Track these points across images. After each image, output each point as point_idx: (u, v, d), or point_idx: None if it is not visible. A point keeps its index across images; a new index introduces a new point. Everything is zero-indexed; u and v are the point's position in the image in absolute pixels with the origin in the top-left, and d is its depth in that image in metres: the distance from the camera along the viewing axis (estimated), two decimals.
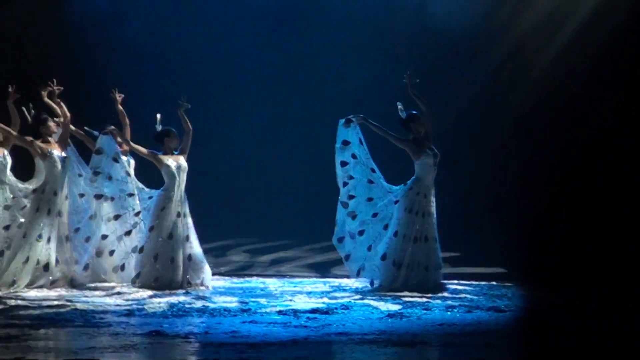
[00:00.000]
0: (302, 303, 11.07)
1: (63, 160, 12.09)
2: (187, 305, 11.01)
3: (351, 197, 12.19)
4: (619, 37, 14.58)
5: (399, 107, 12.08)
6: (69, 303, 11.21)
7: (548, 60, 15.28)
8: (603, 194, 14.09)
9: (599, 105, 14.46)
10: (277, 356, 7.67)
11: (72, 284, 12.13)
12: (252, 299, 11.39)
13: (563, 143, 14.63)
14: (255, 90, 16.75)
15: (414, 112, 12.01)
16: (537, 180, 14.77)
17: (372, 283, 12.08)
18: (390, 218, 12.08)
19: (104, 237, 12.53)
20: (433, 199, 11.95)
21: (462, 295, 11.81)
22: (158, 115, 12.48)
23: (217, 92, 16.57)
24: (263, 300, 11.27)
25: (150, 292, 11.97)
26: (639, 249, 13.34)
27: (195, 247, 12.23)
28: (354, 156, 12.22)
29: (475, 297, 11.69)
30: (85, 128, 12.75)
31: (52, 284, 11.92)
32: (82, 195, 12.58)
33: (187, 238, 12.15)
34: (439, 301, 11.22)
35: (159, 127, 12.40)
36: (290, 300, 11.36)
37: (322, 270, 14.66)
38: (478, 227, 14.86)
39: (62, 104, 12.11)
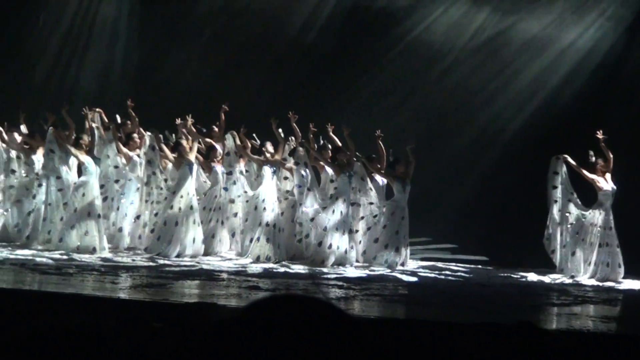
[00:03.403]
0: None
1: None
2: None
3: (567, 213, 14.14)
4: None
5: (591, 153, 14.02)
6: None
7: None
8: None
9: None
10: None
11: None
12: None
13: None
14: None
15: (594, 159, 14.06)
16: None
17: (572, 277, 13.96)
18: (580, 227, 14.05)
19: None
20: (611, 218, 13.95)
21: None
22: None
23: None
24: None
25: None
26: None
27: None
28: (561, 182, 14.19)
29: None
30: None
31: None
32: None
33: None
34: None
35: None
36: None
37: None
38: None
39: None
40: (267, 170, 14.18)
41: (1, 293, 9.17)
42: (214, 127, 14.86)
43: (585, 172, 13.97)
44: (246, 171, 14.57)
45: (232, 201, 14.36)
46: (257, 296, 9.63)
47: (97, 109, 14.92)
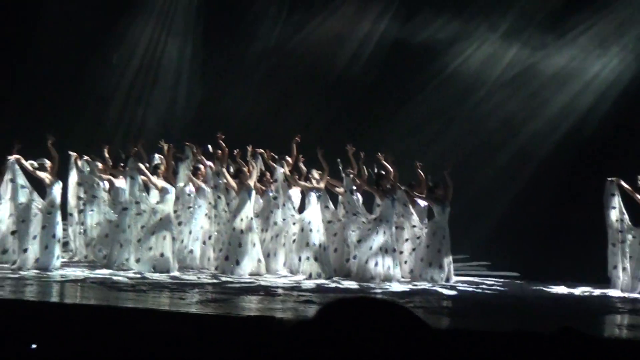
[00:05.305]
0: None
1: None
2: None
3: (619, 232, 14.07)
4: None
5: (639, 177, 13.86)
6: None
7: None
8: None
9: None
10: None
11: None
12: None
13: None
14: None
15: None
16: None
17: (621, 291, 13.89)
18: (629, 246, 13.95)
19: None
20: None
21: None
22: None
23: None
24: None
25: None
26: None
27: None
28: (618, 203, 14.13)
29: None
30: None
31: None
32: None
33: None
34: None
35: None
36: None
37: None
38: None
39: None
40: (312, 196, 14.51)
41: (86, 308, 9.51)
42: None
43: (637, 194, 13.92)
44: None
45: (275, 223, 14.67)
46: (311, 309, 9.88)
47: (188, 143, 15.33)
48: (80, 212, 15.26)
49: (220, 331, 6.71)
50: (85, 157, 15.36)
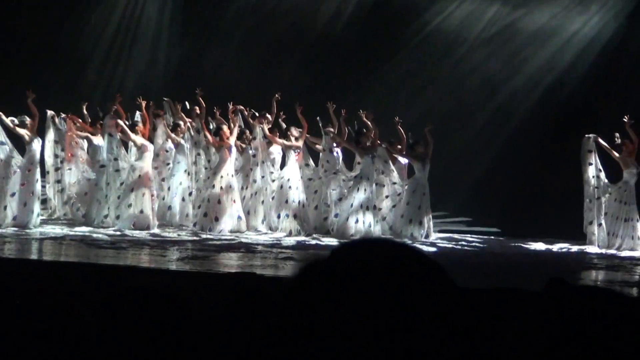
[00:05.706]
0: None
1: None
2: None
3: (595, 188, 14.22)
4: None
5: (617, 135, 14.00)
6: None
7: None
8: None
9: None
10: None
11: None
12: None
13: None
14: None
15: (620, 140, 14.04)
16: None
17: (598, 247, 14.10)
18: (606, 202, 14.14)
19: None
20: (634, 194, 13.95)
21: None
22: None
23: None
24: None
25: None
26: None
27: None
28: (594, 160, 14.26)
29: None
30: None
31: None
32: None
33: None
34: None
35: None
36: None
37: None
38: None
39: None
40: (292, 154, 14.50)
41: (65, 266, 9.56)
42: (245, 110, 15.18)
43: (614, 152, 14.03)
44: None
45: (254, 181, 14.68)
46: (295, 265, 10.11)
47: (166, 99, 15.33)
48: (57, 169, 15.21)
49: (201, 288, 6.89)
50: (63, 115, 15.28)
